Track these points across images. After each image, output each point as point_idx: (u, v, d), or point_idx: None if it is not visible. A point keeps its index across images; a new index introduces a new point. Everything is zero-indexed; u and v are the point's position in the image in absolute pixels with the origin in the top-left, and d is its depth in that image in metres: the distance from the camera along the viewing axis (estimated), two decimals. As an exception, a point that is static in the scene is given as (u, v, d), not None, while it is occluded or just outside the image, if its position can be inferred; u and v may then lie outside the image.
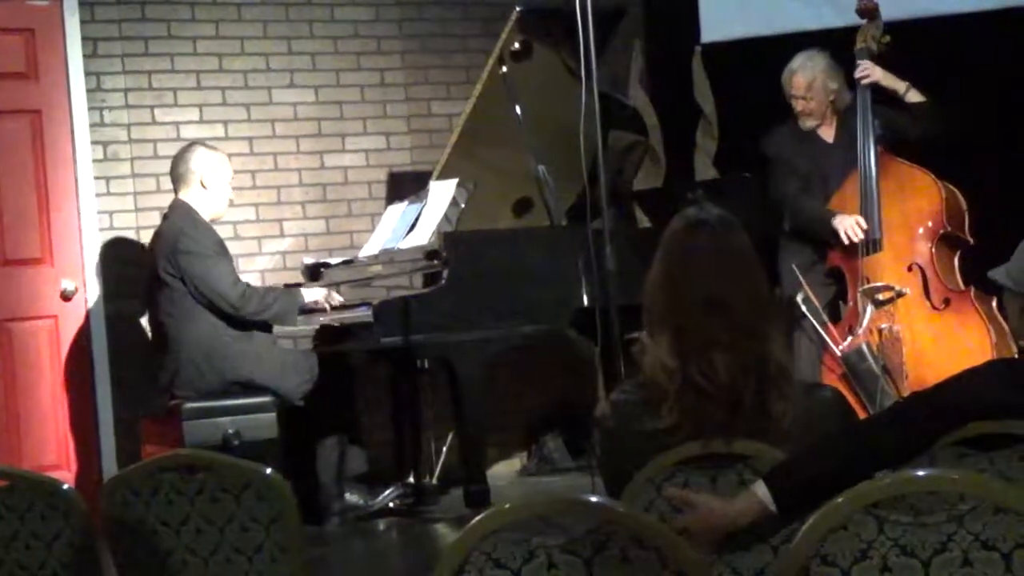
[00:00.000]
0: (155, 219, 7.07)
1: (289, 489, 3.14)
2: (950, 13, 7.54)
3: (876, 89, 6.61)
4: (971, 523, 2.31)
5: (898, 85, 6.62)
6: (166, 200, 6.91)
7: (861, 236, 6.45)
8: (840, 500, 2.37)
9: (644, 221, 7.34)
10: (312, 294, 6.84)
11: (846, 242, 6.48)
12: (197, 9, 7.77)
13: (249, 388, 6.52)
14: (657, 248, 3.17)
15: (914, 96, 6.62)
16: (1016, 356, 3.18)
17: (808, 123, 6.88)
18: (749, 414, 2.98)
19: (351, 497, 6.95)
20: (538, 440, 8.21)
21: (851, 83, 6.73)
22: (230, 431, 6.37)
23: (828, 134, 6.92)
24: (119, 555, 3.24)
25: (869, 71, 6.59)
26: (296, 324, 6.83)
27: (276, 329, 6.79)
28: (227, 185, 6.83)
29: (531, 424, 8.24)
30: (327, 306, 6.79)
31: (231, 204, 6.96)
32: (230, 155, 7.22)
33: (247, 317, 6.58)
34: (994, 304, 6.16)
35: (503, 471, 8.06)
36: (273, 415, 6.47)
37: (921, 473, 2.49)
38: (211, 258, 6.57)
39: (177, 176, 6.75)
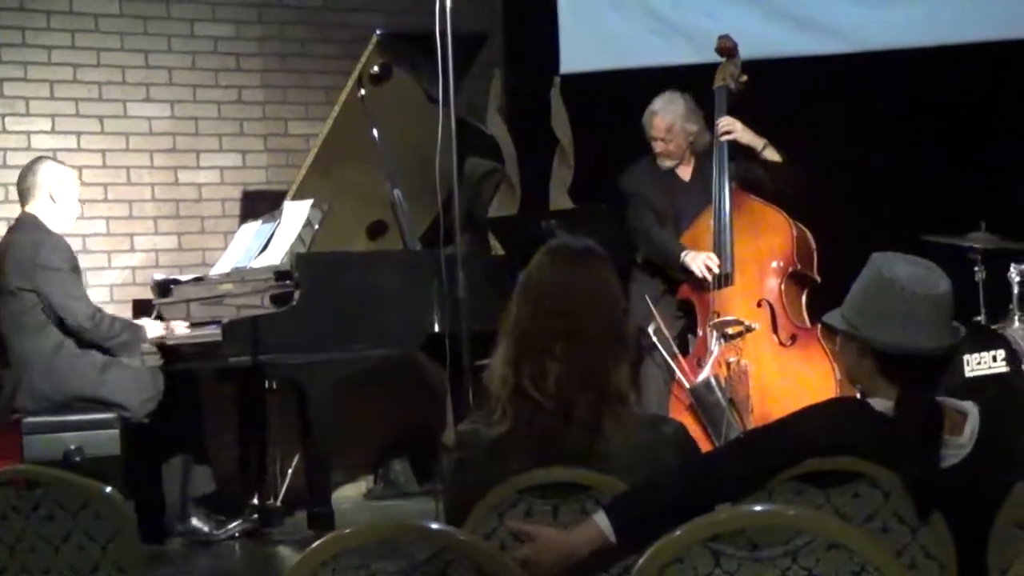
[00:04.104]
0: (3, 229, 6.95)
1: (129, 508, 3.12)
2: (808, 54, 7.69)
3: (734, 143, 6.69)
4: (805, 558, 2.34)
5: (756, 142, 6.69)
6: (15, 210, 6.79)
7: (715, 271, 6.52)
8: (678, 532, 2.39)
9: (498, 248, 7.35)
10: (154, 329, 6.82)
11: (699, 276, 6.55)
12: (53, 18, 7.65)
13: (92, 403, 6.42)
14: (507, 276, 3.22)
15: (771, 154, 6.68)
16: (857, 395, 3.23)
17: (666, 163, 6.93)
18: (580, 429, 3.02)
19: (196, 522, 6.85)
20: (385, 464, 8.18)
21: (711, 124, 6.81)
22: (72, 447, 6.29)
23: (685, 173, 6.97)
24: (-50, 572, 3.18)
25: (731, 127, 6.66)
26: (138, 358, 6.83)
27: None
28: (75, 201, 6.75)
29: (378, 448, 8.20)
30: (170, 335, 6.77)
31: (80, 217, 6.87)
32: (82, 167, 7.13)
33: (93, 340, 6.51)
34: (839, 341, 6.24)
35: (349, 494, 8.01)
36: (116, 432, 6.39)
37: (759, 508, 2.52)
38: (68, 275, 6.51)
39: (24, 189, 6.66)
